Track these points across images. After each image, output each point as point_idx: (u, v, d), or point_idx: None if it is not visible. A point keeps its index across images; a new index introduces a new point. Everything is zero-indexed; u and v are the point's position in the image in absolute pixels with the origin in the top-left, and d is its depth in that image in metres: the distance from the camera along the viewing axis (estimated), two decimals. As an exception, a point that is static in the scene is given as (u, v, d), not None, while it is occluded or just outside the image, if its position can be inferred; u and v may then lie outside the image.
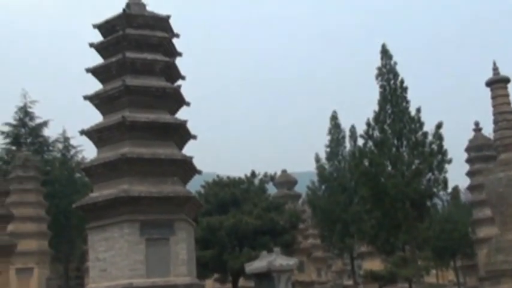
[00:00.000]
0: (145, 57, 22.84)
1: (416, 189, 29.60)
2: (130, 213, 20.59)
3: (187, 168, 22.63)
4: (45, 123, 64.00)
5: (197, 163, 22.97)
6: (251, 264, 12.77)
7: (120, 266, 20.31)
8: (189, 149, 23.74)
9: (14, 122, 62.59)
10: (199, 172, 23.69)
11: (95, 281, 20.99)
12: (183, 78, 24.38)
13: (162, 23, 23.90)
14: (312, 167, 44.36)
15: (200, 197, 28.10)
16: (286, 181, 43.65)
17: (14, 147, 59.95)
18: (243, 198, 32.15)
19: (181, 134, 23.01)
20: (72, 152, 64.44)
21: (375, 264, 49.77)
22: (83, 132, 22.71)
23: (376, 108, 31.27)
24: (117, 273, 20.32)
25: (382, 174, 30.05)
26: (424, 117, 30.65)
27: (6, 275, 25.21)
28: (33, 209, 45.65)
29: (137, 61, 22.65)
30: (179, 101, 23.74)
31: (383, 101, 31.22)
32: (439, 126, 30.48)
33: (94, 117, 23.32)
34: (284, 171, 44.71)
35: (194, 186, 27.25)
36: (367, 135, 31.12)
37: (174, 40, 24.26)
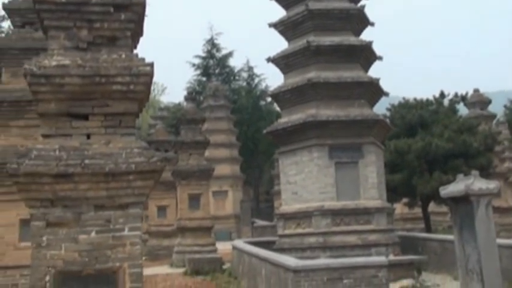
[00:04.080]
0: (328, -22, 22.31)
1: None
2: (319, 137, 20.72)
3: (373, 91, 22.11)
4: (230, 54, 66.47)
5: (383, 85, 22.38)
6: (446, 187, 12.17)
7: (311, 189, 20.70)
8: (374, 71, 23.15)
9: (203, 54, 65.74)
10: (386, 94, 23.06)
11: (287, 203, 21.68)
12: (366, -3, 23.57)
13: None
14: (506, 85, 41.32)
15: (386, 120, 27.41)
16: (479, 101, 40.99)
17: (204, 78, 63.27)
18: (431, 120, 30.86)
19: (366, 55, 22.42)
20: (256, 80, 66.48)
21: None
22: (269, 60, 23.08)
23: None
24: (308, 196, 20.77)
25: None
26: None
27: (206, 197, 27.09)
28: (225, 135, 48.18)
29: (319, -17, 22.23)
30: (363, 22, 23.06)
31: None
32: None
33: (273, 46, 23.53)
34: (476, 91, 41.97)
35: (380, 109, 26.65)
36: None
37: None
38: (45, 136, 6.23)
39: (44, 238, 5.94)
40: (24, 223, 12.52)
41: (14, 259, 13.03)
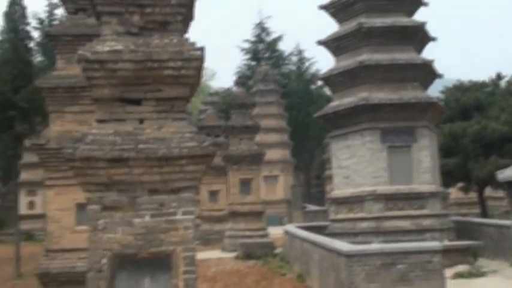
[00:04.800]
0: (379, -41, 21.84)
1: None
2: (371, 120, 20.44)
3: (427, 73, 21.65)
4: (279, 38, 66.25)
5: (437, 67, 21.86)
6: (503, 171, 11.86)
7: (363, 173, 20.48)
8: (428, 52, 22.64)
9: (252, 39, 65.73)
10: (440, 76, 22.56)
11: (339, 188, 21.52)
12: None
13: None
14: None
15: (440, 103, 26.86)
16: (537, 83, 39.65)
17: (253, 63, 63.29)
18: (487, 102, 30.08)
19: (419, 36, 21.93)
20: (307, 64, 66.10)
21: None
22: (320, 43, 22.84)
23: None
24: (360, 180, 20.56)
25: None
26: None
27: (257, 181, 27.16)
28: (276, 120, 48.10)
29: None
30: (416, 2, 22.53)
31: None
32: None
33: (323, 29, 23.26)
34: (533, 72, 40.61)
35: (433, 91, 26.08)
36: None
37: None
38: (99, 121, 6.29)
39: (100, 222, 6.02)
40: (80, 207, 12.78)
41: (71, 242, 13.33)
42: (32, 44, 51.39)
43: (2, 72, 22.56)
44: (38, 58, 53.81)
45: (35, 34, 55.92)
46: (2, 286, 19.19)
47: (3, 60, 23.70)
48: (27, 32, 49.20)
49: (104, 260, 5.97)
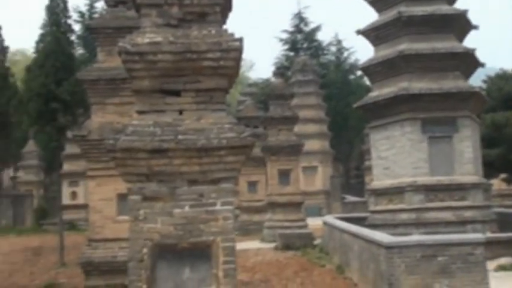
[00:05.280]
0: None
1: None
2: (411, 111, 20.17)
3: (468, 62, 21.22)
4: (318, 28, 65.86)
5: (479, 55, 21.42)
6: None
7: (403, 164, 20.25)
8: (469, 41, 22.20)
9: (291, 29, 65.48)
10: (482, 65, 22.08)
11: (379, 179, 21.33)
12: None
13: None
14: None
15: (482, 92, 26.36)
16: None
17: (292, 53, 63.07)
18: (531, 92, 29.45)
19: (461, 25, 21.50)
20: (345, 54, 65.56)
21: None
22: (359, 32, 22.62)
23: None
24: (400, 171, 20.34)
25: None
26: None
27: (296, 172, 27.12)
28: (314, 111, 47.93)
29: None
30: (458, -10, 22.11)
31: None
32: None
33: (362, 19, 22.98)
34: None
35: (475, 81, 25.58)
36: None
37: None
38: (140, 112, 6.36)
39: (141, 212, 6.10)
40: (121, 197, 12.97)
41: (112, 232, 13.56)
42: (73, 37, 52.25)
43: (45, 65, 22.96)
44: (79, 51, 54.73)
45: (76, 27, 56.90)
46: (46, 274, 19.65)
47: (46, 53, 24.08)
48: (69, 25, 49.99)
49: (145, 250, 6.05)
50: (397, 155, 20.48)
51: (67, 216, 31.90)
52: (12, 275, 19.79)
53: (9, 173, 49.67)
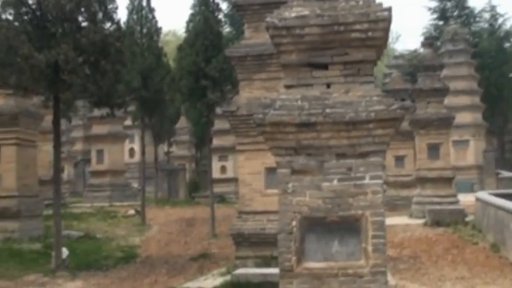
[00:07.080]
0: None
1: None
2: None
3: None
4: (470, -6, 62.18)
5: None
6: None
7: None
8: None
9: (440, -4, 62.53)
10: None
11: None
12: None
13: None
14: None
15: None
16: None
17: (441, 22, 60.37)
18: None
19: None
20: (500, 20, 61.52)
21: None
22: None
23: None
24: None
25: None
26: None
27: (446, 146, 26.09)
28: (466, 82, 45.76)
29: None
30: None
31: None
32: None
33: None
34: None
35: None
36: None
37: None
38: (287, 87, 6.41)
39: (290, 185, 6.18)
40: (269, 171, 13.25)
41: (261, 205, 13.91)
42: (221, 16, 53.82)
43: (195, 44, 23.84)
44: (226, 29, 56.26)
45: (223, 6, 58.45)
46: (199, 244, 20.66)
47: (195, 32, 24.99)
48: (217, 4, 51.63)
49: (294, 223, 6.13)
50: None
51: (217, 189, 33.16)
52: (169, 244, 21.05)
53: (163, 148, 52.60)
